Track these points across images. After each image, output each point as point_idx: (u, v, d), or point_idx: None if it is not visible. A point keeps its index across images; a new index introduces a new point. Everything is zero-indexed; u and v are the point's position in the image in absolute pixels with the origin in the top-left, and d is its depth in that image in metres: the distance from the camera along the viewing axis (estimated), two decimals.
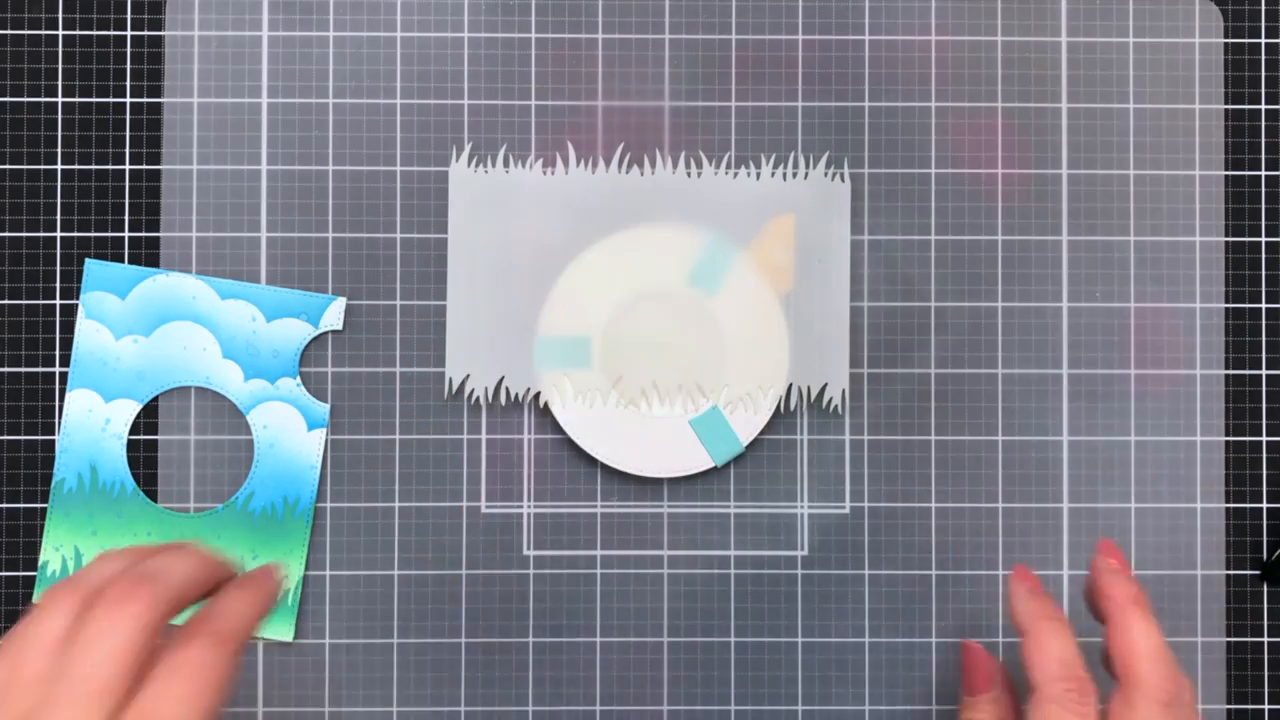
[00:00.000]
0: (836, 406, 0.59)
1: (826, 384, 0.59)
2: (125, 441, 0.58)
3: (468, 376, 0.58)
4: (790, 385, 0.58)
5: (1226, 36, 0.60)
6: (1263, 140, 0.60)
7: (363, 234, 0.59)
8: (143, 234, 0.59)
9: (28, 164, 0.59)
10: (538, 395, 0.58)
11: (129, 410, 0.58)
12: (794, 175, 0.59)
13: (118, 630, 0.40)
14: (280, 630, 0.57)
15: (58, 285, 0.59)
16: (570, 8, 0.59)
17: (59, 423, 0.58)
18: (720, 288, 0.58)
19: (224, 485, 0.58)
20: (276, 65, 0.59)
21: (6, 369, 0.58)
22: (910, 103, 0.59)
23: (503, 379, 0.58)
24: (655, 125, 0.59)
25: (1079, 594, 0.59)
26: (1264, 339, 0.60)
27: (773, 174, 0.59)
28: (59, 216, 0.59)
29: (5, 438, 0.58)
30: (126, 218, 0.59)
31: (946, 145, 0.59)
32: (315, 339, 0.59)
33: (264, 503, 0.58)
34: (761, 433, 0.59)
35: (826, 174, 0.59)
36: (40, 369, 0.58)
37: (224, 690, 0.42)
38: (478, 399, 0.59)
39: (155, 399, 0.58)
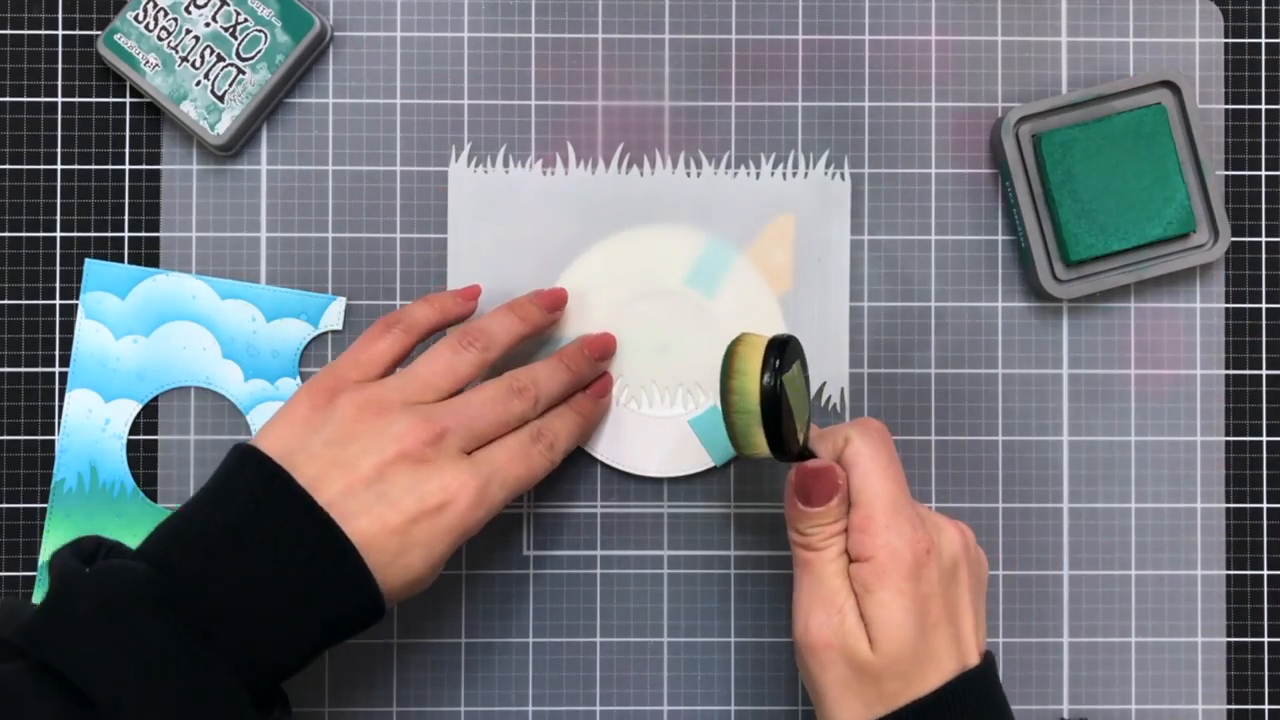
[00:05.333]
0: (836, 405, 0.59)
1: (825, 382, 0.59)
2: (125, 441, 0.58)
3: None
4: None
5: (1226, 36, 0.60)
6: (1263, 140, 0.60)
7: (363, 234, 0.59)
8: (143, 234, 0.59)
9: (28, 164, 0.59)
10: None
11: (129, 410, 0.58)
12: (794, 174, 0.59)
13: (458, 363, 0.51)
14: None
15: (58, 285, 0.59)
16: (570, 8, 0.59)
17: (59, 423, 0.58)
18: (718, 289, 0.58)
19: None
20: None
21: (6, 369, 0.58)
22: (910, 103, 0.59)
23: None
24: (655, 125, 0.59)
25: (1080, 594, 0.59)
26: (1264, 339, 0.60)
27: (772, 173, 0.59)
28: (59, 216, 0.59)
29: (5, 438, 0.58)
30: (126, 218, 0.59)
31: (946, 145, 0.59)
32: (315, 339, 0.59)
33: None
34: None
35: (826, 172, 0.59)
36: (40, 369, 0.58)
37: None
38: None
39: (155, 399, 0.58)
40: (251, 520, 0.45)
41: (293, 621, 0.45)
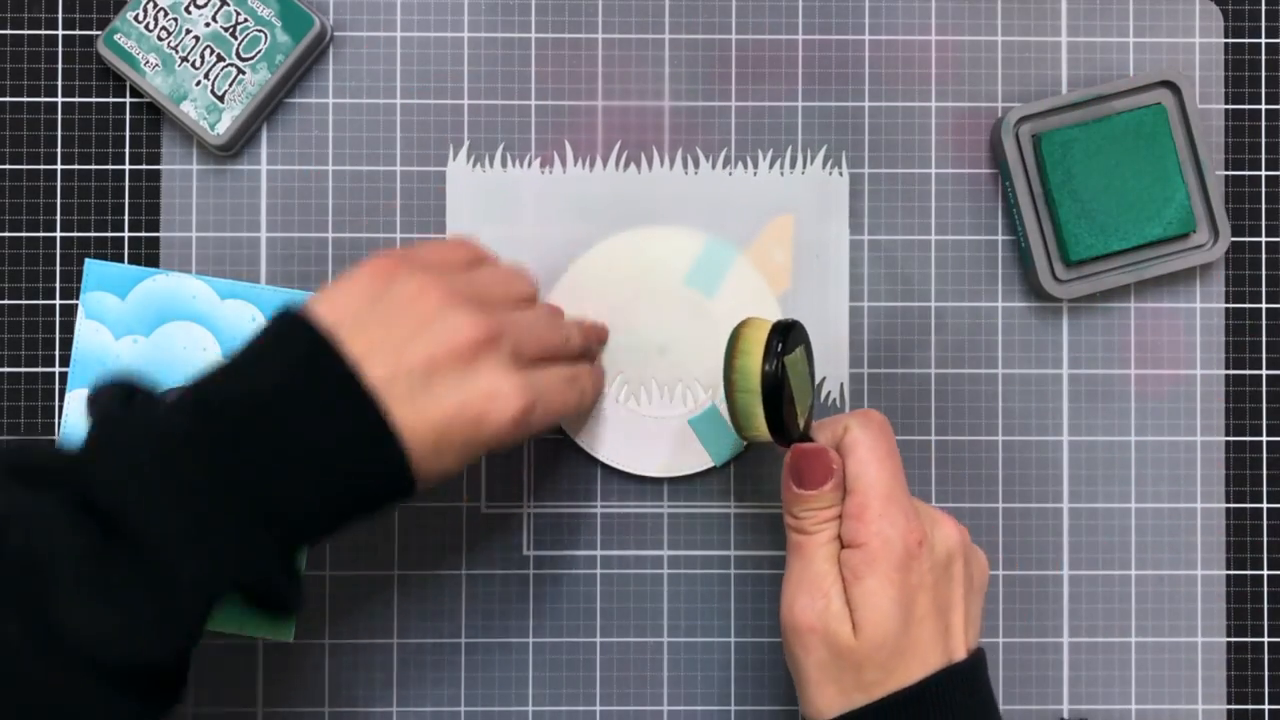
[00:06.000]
0: (835, 400, 0.59)
1: (825, 378, 0.59)
2: None
3: None
4: None
5: (1226, 36, 0.60)
6: (1263, 140, 0.60)
7: (363, 234, 0.59)
8: (143, 234, 0.59)
9: (28, 164, 0.59)
10: None
11: None
12: (791, 171, 0.59)
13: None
14: (280, 630, 0.57)
15: (58, 285, 0.59)
16: (570, 8, 0.59)
17: (59, 423, 0.58)
18: (718, 289, 0.58)
19: None
20: None
21: (6, 369, 0.58)
22: (910, 103, 0.59)
23: None
24: (655, 125, 0.59)
25: (1080, 594, 0.59)
26: (1264, 339, 0.60)
27: (770, 169, 0.59)
28: (59, 216, 0.59)
29: (5, 437, 0.58)
30: (126, 218, 0.59)
31: (946, 145, 0.59)
32: None
33: None
34: None
35: (824, 169, 0.59)
36: (40, 369, 0.58)
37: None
38: None
39: None
40: (295, 385, 0.43)
41: (324, 489, 0.43)
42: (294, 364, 0.43)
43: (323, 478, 0.43)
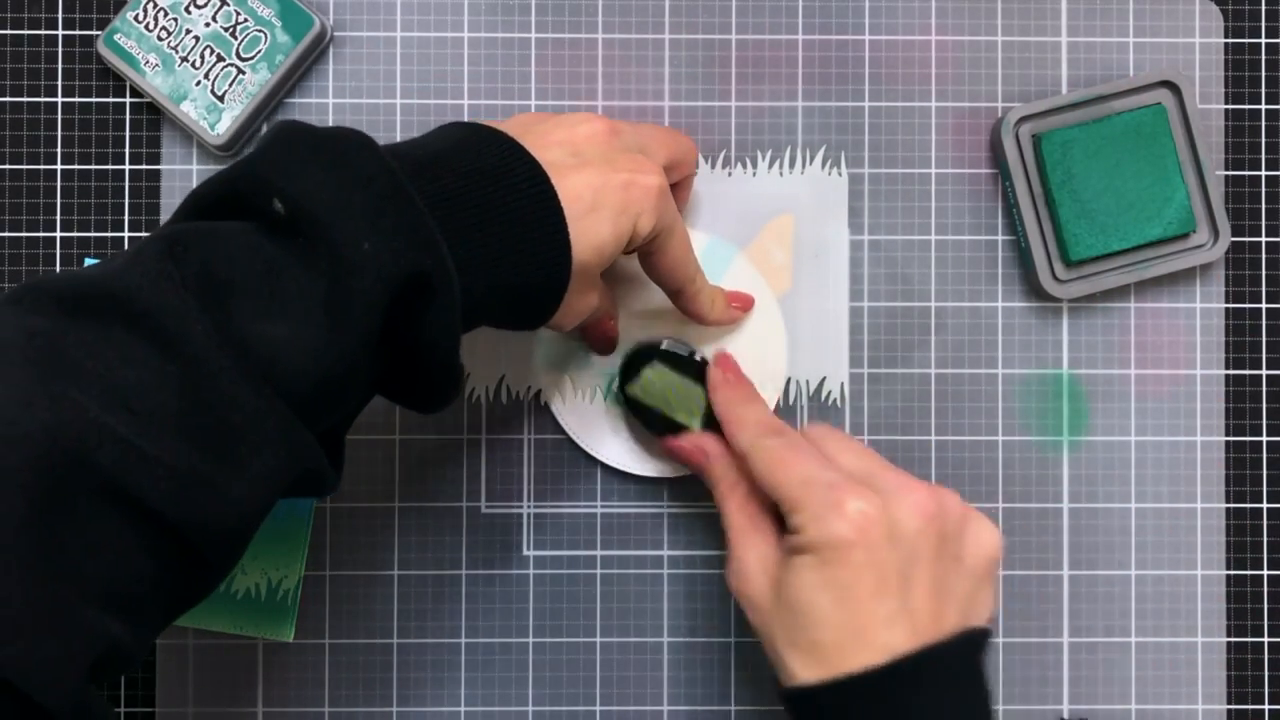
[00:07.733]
0: (836, 400, 0.59)
1: (825, 377, 0.59)
2: None
3: (468, 376, 0.58)
4: (789, 379, 0.59)
5: (1226, 36, 0.60)
6: (1263, 140, 0.60)
7: None
8: (143, 234, 0.59)
9: (28, 164, 0.59)
10: (538, 394, 0.58)
11: None
12: (791, 171, 0.59)
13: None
14: (280, 630, 0.57)
15: None
16: (570, 8, 0.59)
17: None
18: None
19: None
20: None
21: None
22: (910, 103, 0.59)
23: (503, 378, 0.58)
24: None
25: (1080, 594, 0.59)
26: (1264, 339, 0.60)
27: (769, 170, 0.59)
28: (59, 216, 0.59)
29: None
30: (126, 218, 0.59)
31: (946, 145, 0.60)
32: None
33: None
34: None
35: (824, 169, 0.59)
36: None
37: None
38: (478, 399, 0.59)
39: None
40: (463, 144, 0.45)
41: (488, 222, 0.44)
42: (460, 135, 0.46)
43: (490, 217, 0.44)
